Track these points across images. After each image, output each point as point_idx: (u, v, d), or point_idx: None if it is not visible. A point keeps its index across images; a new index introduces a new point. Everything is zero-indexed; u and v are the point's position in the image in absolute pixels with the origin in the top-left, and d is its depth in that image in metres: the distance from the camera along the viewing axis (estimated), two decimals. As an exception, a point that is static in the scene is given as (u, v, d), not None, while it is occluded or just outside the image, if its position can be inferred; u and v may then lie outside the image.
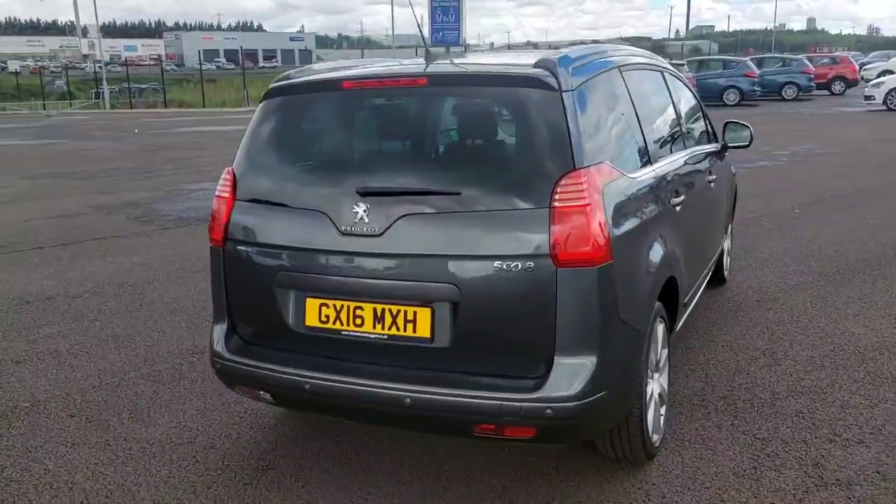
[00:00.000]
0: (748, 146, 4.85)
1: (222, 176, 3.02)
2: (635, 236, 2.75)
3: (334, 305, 2.72)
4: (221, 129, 23.82)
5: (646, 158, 3.15)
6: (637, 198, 2.87)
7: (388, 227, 2.60)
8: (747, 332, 4.51)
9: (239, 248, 2.92)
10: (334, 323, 2.73)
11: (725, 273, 5.49)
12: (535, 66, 2.66)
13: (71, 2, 41.30)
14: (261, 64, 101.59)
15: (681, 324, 3.70)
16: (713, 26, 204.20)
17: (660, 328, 3.11)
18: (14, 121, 31.95)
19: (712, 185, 4.25)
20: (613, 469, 3.04)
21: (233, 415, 3.64)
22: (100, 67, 45.35)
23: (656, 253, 2.92)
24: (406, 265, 2.60)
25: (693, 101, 4.58)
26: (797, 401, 3.59)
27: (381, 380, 2.64)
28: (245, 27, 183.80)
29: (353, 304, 2.70)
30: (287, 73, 3.17)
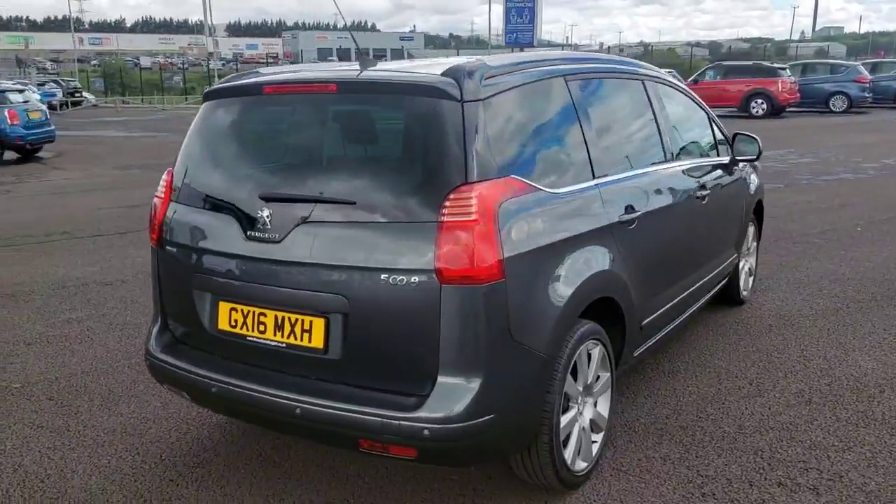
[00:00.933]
0: (756, 160, 4.55)
1: (162, 176, 3.11)
2: (546, 254, 2.63)
3: (242, 310, 2.75)
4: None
5: (586, 172, 3.00)
6: (558, 214, 2.75)
7: (287, 234, 2.60)
8: (743, 359, 4.24)
9: (168, 248, 3.00)
10: (241, 328, 2.76)
11: (744, 293, 5.17)
12: (443, 74, 2.58)
13: (201, 2, 44.08)
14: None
15: (644, 349, 3.51)
16: (842, 28, 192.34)
17: (594, 351, 2.97)
18: (131, 114, 34.03)
19: (705, 200, 4.00)
20: (531, 495, 2.92)
21: (192, 409, 3.73)
22: (222, 65, 47.64)
23: (579, 272, 2.78)
24: (302, 273, 2.59)
25: (692, 112, 4.35)
26: (763, 437, 3.34)
27: (276, 388, 2.65)
28: (359, 27, 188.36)
29: (257, 311, 2.71)
30: (230, 76, 3.22)
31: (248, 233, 2.68)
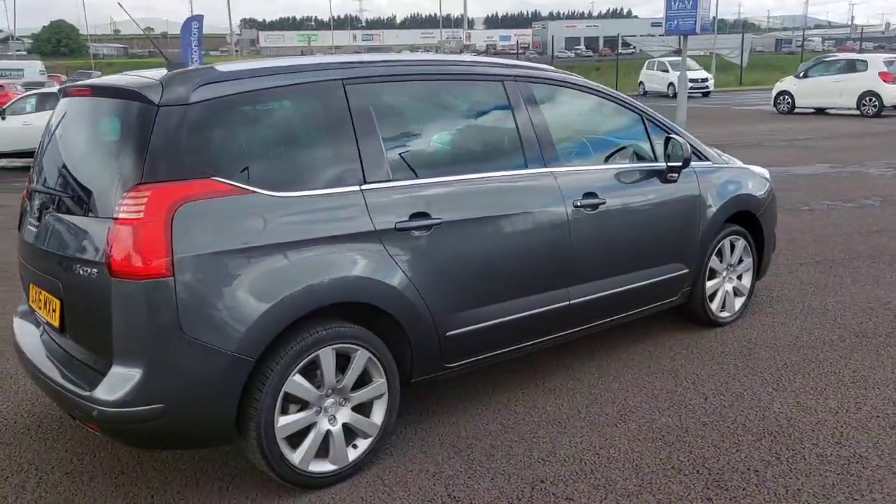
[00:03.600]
0: (683, 166, 4.05)
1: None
2: (245, 255, 2.69)
3: (34, 289, 3.17)
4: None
5: (352, 177, 2.99)
6: (278, 217, 2.77)
7: (41, 224, 2.98)
8: (643, 385, 3.85)
9: (18, 234, 3.51)
10: (34, 304, 3.18)
11: (724, 315, 4.64)
12: (160, 78, 2.76)
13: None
14: (618, 50, 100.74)
15: (467, 361, 3.39)
16: None
17: (356, 355, 2.98)
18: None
19: (598, 210, 3.71)
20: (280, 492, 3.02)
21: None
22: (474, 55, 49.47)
23: (301, 275, 2.79)
24: (45, 259, 2.96)
25: (611, 116, 4.05)
26: (560, 468, 3.09)
27: (38, 361, 3.03)
28: (616, 14, 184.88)
29: (37, 290, 3.12)
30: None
31: (31, 221, 3.10)
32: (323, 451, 3.00)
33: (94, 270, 2.64)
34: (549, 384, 3.91)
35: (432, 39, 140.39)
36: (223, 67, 2.89)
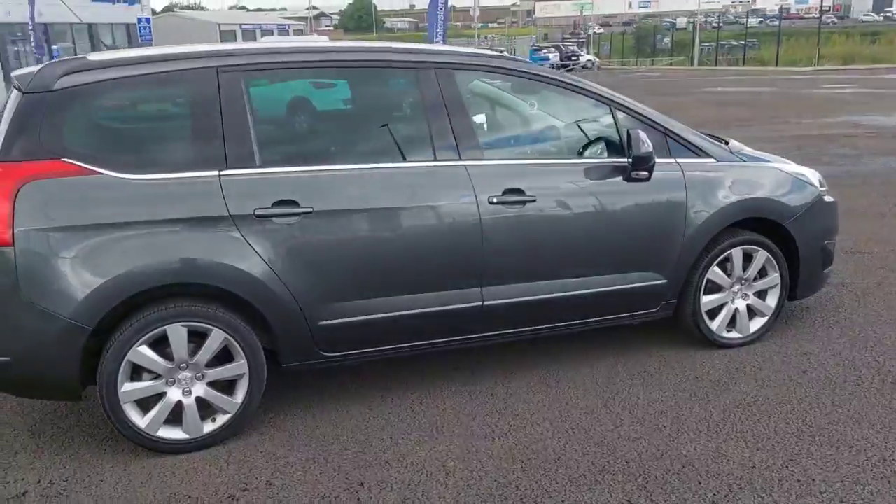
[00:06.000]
0: (635, 164, 3.50)
1: None
2: (85, 232, 2.90)
3: None
4: (738, 90, 22.62)
5: (212, 163, 3.07)
6: (125, 198, 2.95)
7: None
8: (563, 400, 3.51)
9: None
10: None
11: (732, 336, 4.01)
12: (39, 68, 3.05)
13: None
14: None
15: (351, 353, 3.38)
16: None
17: (213, 335, 3.10)
18: (593, 76, 35.82)
19: (525, 206, 3.42)
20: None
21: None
22: (759, 22, 44.94)
23: (139, 253, 2.95)
24: None
25: (564, 106, 3.67)
26: (380, 473, 2.98)
27: None
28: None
29: None
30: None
31: None
32: (178, 420, 3.19)
33: None
34: (473, 387, 3.71)
35: (716, 4, 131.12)
36: (95, 57, 3.12)
